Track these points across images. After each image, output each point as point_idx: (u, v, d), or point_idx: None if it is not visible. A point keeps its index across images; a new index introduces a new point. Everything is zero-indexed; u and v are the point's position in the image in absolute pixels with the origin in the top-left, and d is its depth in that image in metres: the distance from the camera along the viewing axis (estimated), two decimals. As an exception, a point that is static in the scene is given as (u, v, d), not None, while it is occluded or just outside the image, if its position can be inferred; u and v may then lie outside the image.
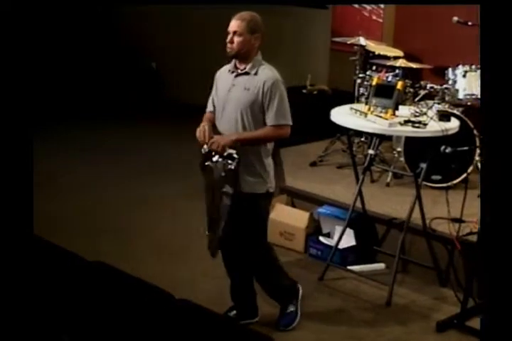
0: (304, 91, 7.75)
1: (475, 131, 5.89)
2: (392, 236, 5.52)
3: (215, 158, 4.23)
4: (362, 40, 6.91)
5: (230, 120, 4.30)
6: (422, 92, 6.57)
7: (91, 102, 9.47)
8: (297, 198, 6.18)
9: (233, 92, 4.30)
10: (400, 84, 5.32)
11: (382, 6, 7.69)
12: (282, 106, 4.28)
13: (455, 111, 6.01)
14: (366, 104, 5.42)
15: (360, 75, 6.82)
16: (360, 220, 5.60)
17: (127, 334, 3.17)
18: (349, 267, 5.45)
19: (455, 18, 6.57)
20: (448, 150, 5.93)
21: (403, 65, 6.61)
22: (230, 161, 4.18)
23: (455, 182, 6.00)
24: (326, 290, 5.22)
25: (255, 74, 4.27)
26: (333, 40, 7.63)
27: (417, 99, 6.52)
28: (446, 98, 6.35)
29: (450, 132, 5.13)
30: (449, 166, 5.95)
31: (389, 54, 6.93)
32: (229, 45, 4.28)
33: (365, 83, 6.67)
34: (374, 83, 5.39)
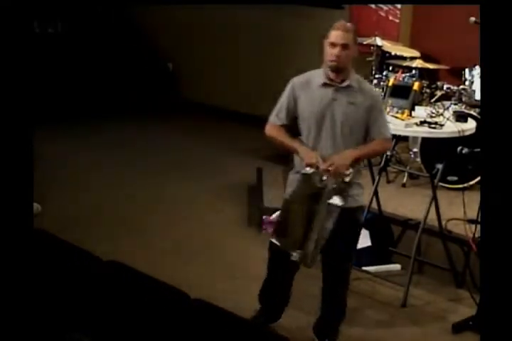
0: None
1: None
2: (407, 237, 5.51)
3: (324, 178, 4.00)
4: (378, 41, 6.90)
5: (332, 135, 4.07)
6: (439, 93, 6.55)
7: (108, 102, 9.49)
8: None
9: (336, 107, 4.06)
10: (416, 85, 5.32)
11: (398, 6, 7.67)
12: (386, 119, 4.30)
13: (472, 112, 5.98)
14: (383, 104, 5.41)
15: (377, 76, 6.81)
16: (376, 221, 5.59)
17: (141, 333, 3.18)
18: (364, 268, 5.43)
19: (472, 19, 6.53)
20: (464, 151, 5.91)
21: (420, 66, 6.59)
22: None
23: (471, 183, 5.98)
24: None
25: (359, 87, 4.09)
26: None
27: (433, 99, 6.50)
28: (463, 99, 6.33)
29: (467, 133, 5.12)
30: (466, 167, 5.94)
31: (405, 54, 6.92)
32: (335, 58, 4.00)
33: (382, 83, 6.65)
34: (390, 83, 5.40)
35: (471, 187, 5.92)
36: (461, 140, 5.41)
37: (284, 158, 7.40)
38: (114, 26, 9.89)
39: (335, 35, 4.01)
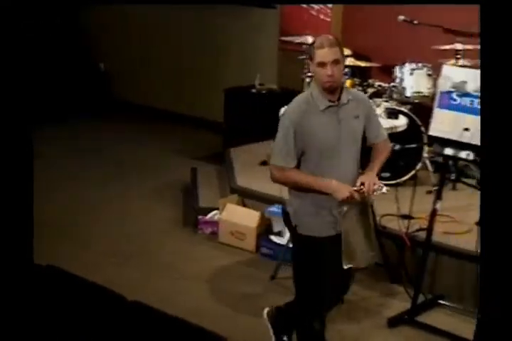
0: (253, 90, 7.77)
1: (422, 128, 5.95)
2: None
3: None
4: (310, 39, 6.92)
5: (350, 158, 3.85)
6: (370, 90, 6.60)
7: (39, 102, 9.34)
8: (248, 198, 6.18)
9: (346, 126, 3.81)
10: (348, 83, 5.37)
11: (329, 5, 7.73)
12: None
13: (402, 109, 6.07)
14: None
15: (309, 74, 6.84)
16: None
17: (78, 337, 3.14)
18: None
19: (401, 17, 6.64)
20: (396, 147, 6.01)
21: (351, 64, 6.63)
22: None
23: (404, 179, 6.06)
24: (278, 289, 5.22)
25: (353, 97, 3.87)
26: (282, 40, 7.65)
27: (365, 97, 6.56)
28: (394, 96, 6.41)
29: (398, 129, 5.20)
30: (398, 163, 6.01)
31: (337, 53, 6.96)
32: (329, 78, 3.70)
33: (314, 82, 6.69)
34: (322, 82, 5.41)
35: (403, 183, 6.00)
36: (393, 136, 5.49)
37: (217, 157, 7.43)
38: (45, 26, 9.73)
39: (322, 54, 3.69)
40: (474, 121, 4.40)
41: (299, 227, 3.89)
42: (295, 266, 4.04)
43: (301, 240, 3.93)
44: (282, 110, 4.03)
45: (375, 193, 3.81)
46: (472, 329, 4.36)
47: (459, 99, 4.51)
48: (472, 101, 4.45)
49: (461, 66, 6.04)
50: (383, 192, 3.85)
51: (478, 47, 6.44)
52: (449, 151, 4.56)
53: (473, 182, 6.09)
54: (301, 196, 3.86)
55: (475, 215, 4.79)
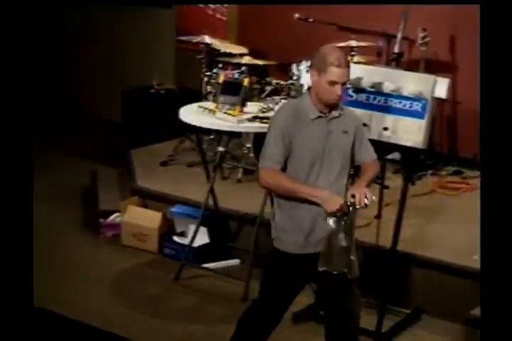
0: (152, 90, 7.71)
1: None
2: (246, 231, 5.57)
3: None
4: (207, 39, 6.92)
5: (333, 170, 3.70)
6: (269, 88, 6.66)
7: None
8: (149, 199, 6.13)
9: (333, 139, 3.66)
10: (246, 81, 5.38)
11: (225, 4, 7.75)
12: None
13: (301, 106, 6.11)
14: (214, 101, 5.44)
15: (207, 73, 6.84)
16: (213, 218, 5.62)
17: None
18: (204, 265, 5.46)
19: (296, 15, 6.71)
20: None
21: (249, 62, 6.67)
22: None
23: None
24: (182, 290, 5.20)
25: (344, 113, 3.73)
26: (179, 39, 7.61)
27: (263, 95, 6.60)
28: (292, 93, 6.46)
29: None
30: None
31: (234, 51, 6.98)
32: (337, 97, 3.58)
33: (212, 81, 6.69)
34: (221, 81, 5.42)
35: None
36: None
37: (117, 159, 7.33)
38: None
39: (337, 74, 3.52)
40: (370, 117, 4.48)
41: (275, 241, 3.76)
42: (264, 276, 3.94)
43: (274, 253, 3.80)
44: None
45: (365, 204, 3.64)
46: (373, 321, 4.45)
47: (355, 95, 4.57)
48: (368, 97, 4.52)
49: (356, 62, 6.12)
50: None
51: (372, 44, 6.65)
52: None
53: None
54: (282, 210, 3.71)
55: (374, 209, 4.89)
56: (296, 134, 3.59)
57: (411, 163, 4.61)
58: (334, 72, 3.51)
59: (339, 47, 4.07)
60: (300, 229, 3.68)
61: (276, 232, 3.76)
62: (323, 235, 3.62)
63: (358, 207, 3.60)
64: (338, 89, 3.54)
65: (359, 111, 4.49)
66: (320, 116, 3.63)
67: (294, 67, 6.51)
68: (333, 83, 3.52)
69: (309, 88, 3.71)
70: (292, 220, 3.70)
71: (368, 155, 3.86)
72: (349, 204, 3.58)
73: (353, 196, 3.60)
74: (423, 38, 6.27)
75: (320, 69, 3.55)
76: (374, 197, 3.70)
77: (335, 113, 3.66)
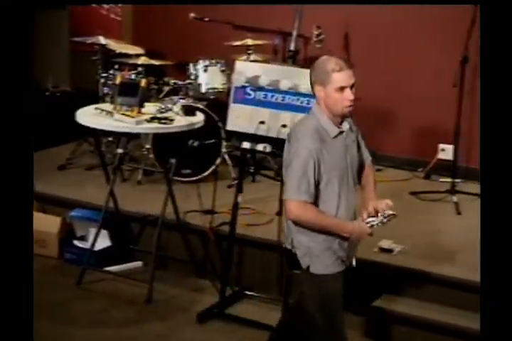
0: (47, 93, 7.55)
1: (220, 124, 6.02)
2: (148, 233, 5.52)
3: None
4: (102, 39, 6.82)
5: (355, 184, 3.63)
6: (166, 88, 6.62)
7: None
8: (48, 204, 5.99)
9: (350, 152, 3.59)
10: (143, 82, 5.34)
11: (119, 4, 7.66)
12: None
13: (199, 105, 6.10)
14: (111, 103, 5.38)
15: (103, 75, 6.74)
16: (114, 220, 5.55)
17: None
18: (106, 268, 5.38)
19: (192, 15, 6.68)
20: (195, 143, 6.07)
21: (145, 63, 6.61)
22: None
23: (205, 174, 6.12)
24: (85, 294, 5.12)
25: (350, 123, 3.64)
26: (73, 40, 7.47)
27: (161, 95, 6.56)
28: (190, 93, 6.45)
29: (196, 126, 5.22)
30: (198, 159, 6.07)
31: (130, 52, 6.90)
32: (351, 102, 3.45)
33: (109, 82, 6.60)
34: (117, 82, 5.36)
35: (204, 179, 6.06)
36: (191, 133, 5.52)
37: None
38: None
39: (342, 78, 3.41)
40: (269, 114, 4.51)
41: (313, 267, 3.58)
42: (312, 312, 3.66)
43: (315, 281, 3.61)
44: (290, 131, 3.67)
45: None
46: (278, 317, 4.47)
47: (253, 94, 4.59)
48: (266, 94, 4.55)
49: (253, 61, 6.16)
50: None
51: (268, 42, 6.70)
52: (246, 145, 4.64)
53: (271, 173, 6.27)
54: (311, 234, 3.55)
55: (275, 206, 4.93)
56: (324, 157, 3.44)
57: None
58: (338, 78, 3.41)
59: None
60: (336, 244, 3.57)
61: (310, 258, 3.56)
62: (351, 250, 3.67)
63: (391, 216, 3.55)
64: (348, 94, 3.43)
65: (257, 109, 4.53)
66: (336, 134, 3.50)
67: (191, 66, 6.49)
68: (341, 89, 3.41)
69: (317, 104, 3.55)
70: (327, 239, 3.55)
71: (368, 157, 3.82)
72: (386, 216, 3.53)
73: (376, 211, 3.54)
74: (318, 35, 6.36)
75: (324, 81, 3.44)
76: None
77: (346, 124, 3.56)
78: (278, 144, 4.50)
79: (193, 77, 6.47)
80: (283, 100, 4.49)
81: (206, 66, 6.44)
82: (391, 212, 3.54)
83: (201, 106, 6.09)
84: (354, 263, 3.76)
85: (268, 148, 4.59)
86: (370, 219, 3.55)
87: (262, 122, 4.52)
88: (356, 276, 4.53)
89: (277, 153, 4.65)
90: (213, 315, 4.81)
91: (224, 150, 6.13)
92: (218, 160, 6.13)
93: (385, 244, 4.95)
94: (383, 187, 6.15)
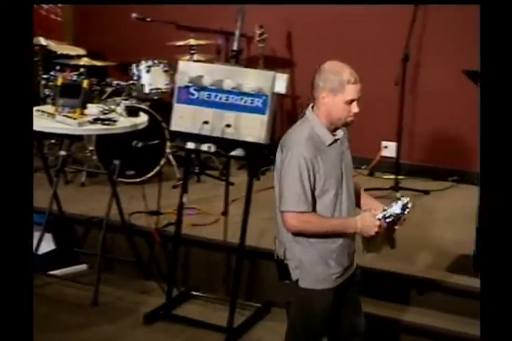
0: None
1: (163, 124, 6.00)
2: (92, 235, 5.47)
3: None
4: (42, 40, 6.75)
5: (351, 189, 3.54)
6: (109, 89, 6.58)
7: None
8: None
9: (345, 159, 3.51)
10: (85, 83, 5.27)
11: (59, 4, 7.58)
12: None
13: (142, 106, 6.08)
14: (53, 105, 5.31)
15: (44, 76, 6.67)
16: (58, 223, 5.49)
17: None
18: (51, 272, 5.32)
19: (134, 15, 6.64)
20: (139, 144, 6.04)
21: (87, 64, 6.55)
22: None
23: (149, 175, 6.09)
24: (29, 298, 5.05)
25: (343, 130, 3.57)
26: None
27: (104, 96, 6.51)
28: (133, 94, 6.41)
29: (140, 127, 5.19)
30: (142, 160, 6.04)
31: (71, 53, 6.84)
32: (353, 115, 3.40)
33: (50, 84, 6.53)
34: (59, 83, 5.30)
35: (149, 180, 6.03)
36: (135, 134, 5.49)
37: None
38: None
39: (356, 91, 3.35)
40: (213, 114, 4.50)
41: (302, 280, 3.48)
42: (294, 322, 3.61)
43: (300, 294, 3.51)
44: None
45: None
46: (224, 317, 4.48)
47: (196, 94, 4.57)
48: (209, 94, 4.53)
49: (196, 61, 6.15)
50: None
51: (211, 42, 6.69)
52: (191, 145, 4.62)
53: (216, 173, 6.27)
54: (306, 246, 3.45)
55: (220, 206, 4.93)
56: (319, 167, 3.35)
57: (255, 158, 4.66)
58: (352, 90, 3.33)
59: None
60: (333, 260, 3.48)
61: (301, 272, 3.47)
62: (350, 263, 3.57)
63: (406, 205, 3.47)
64: (355, 107, 3.36)
65: (201, 109, 4.52)
66: (331, 141, 3.43)
67: (133, 67, 6.45)
68: (351, 101, 3.35)
69: (312, 108, 3.46)
70: (323, 254, 3.47)
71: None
72: (402, 205, 3.45)
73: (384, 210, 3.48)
74: (260, 34, 6.38)
75: (335, 90, 3.34)
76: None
77: (340, 131, 3.49)
78: (222, 144, 4.52)
79: (135, 77, 6.44)
80: (227, 100, 4.49)
81: (149, 66, 6.41)
82: (406, 200, 3.45)
83: (145, 107, 6.07)
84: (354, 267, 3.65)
85: (212, 148, 4.58)
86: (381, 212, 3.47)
87: (206, 122, 4.51)
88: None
89: (222, 153, 4.66)
90: (160, 316, 4.79)
91: (168, 150, 6.11)
92: (163, 161, 6.11)
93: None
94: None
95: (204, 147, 4.59)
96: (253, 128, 4.41)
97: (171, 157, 6.17)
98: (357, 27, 6.55)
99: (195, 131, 4.55)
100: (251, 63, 6.50)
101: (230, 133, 4.47)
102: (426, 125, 6.45)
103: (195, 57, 6.43)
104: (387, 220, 3.45)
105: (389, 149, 6.54)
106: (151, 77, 6.41)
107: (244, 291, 4.94)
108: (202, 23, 6.69)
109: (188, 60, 6.11)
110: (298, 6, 6.52)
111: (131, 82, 6.46)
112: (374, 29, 6.48)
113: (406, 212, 3.48)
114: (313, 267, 3.46)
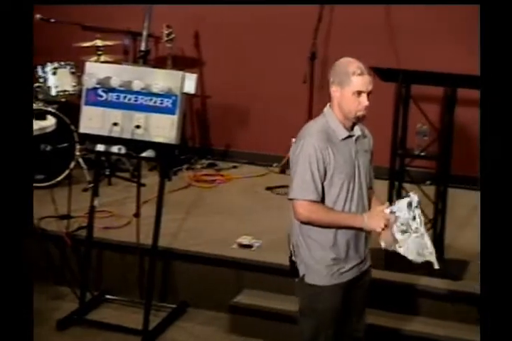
0: None
1: (72, 127, 5.91)
2: (1, 241, 5.35)
3: None
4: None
5: (363, 193, 3.49)
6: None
7: None
8: None
9: (360, 159, 3.46)
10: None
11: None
12: None
13: (50, 109, 5.98)
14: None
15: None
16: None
17: None
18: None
19: (38, 16, 6.51)
20: (48, 148, 5.93)
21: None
22: None
23: (58, 179, 5.99)
24: None
25: (364, 132, 3.55)
26: None
27: None
28: (40, 96, 6.29)
29: (47, 130, 5.12)
30: (51, 164, 5.94)
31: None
32: (365, 108, 3.37)
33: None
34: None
35: (58, 184, 5.93)
36: (43, 137, 5.40)
37: None
38: None
39: (362, 82, 3.35)
40: (122, 116, 4.47)
41: (307, 276, 3.47)
42: (301, 319, 3.60)
43: (306, 291, 3.51)
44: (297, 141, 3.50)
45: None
46: (140, 319, 4.46)
47: (105, 95, 4.53)
48: (118, 96, 4.50)
49: (103, 62, 6.07)
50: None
51: (118, 42, 6.62)
52: (100, 147, 4.58)
53: (127, 175, 6.22)
54: (312, 239, 3.44)
55: (132, 207, 4.89)
56: (330, 158, 3.36)
57: (166, 159, 4.65)
58: (358, 81, 3.34)
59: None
60: (340, 257, 3.46)
61: (306, 267, 3.47)
62: (360, 260, 3.53)
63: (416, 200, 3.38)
64: (364, 99, 3.36)
65: (110, 111, 4.48)
66: (349, 136, 3.43)
67: (39, 69, 6.33)
68: (359, 93, 3.35)
69: (330, 106, 3.49)
70: (325, 251, 3.45)
71: (372, 179, 3.64)
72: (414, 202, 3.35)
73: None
74: (168, 34, 6.36)
75: (342, 83, 3.37)
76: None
77: (357, 130, 3.48)
78: (133, 145, 4.48)
79: (41, 80, 6.32)
80: (136, 101, 4.46)
81: (55, 68, 6.31)
82: (414, 197, 3.37)
83: (52, 110, 5.97)
84: (366, 267, 3.61)
85: (123, 150, 4.55)
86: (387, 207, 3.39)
87: (116, 124, 4.47)
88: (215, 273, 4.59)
89: (132, 155, 4.62)
90: (74, 322, 4.72)
91: (78, 153, 6.02)
92: (72, 164, 6.02)
93: (244, 240, 5.01)
94: (240, 184, 6.30)
95: (114, 149, 4.56)
96: (163, 128, 4.40)
97: (80, 160, 6.08)
98: (265, 27, 6.57)
99: (105, 133, 4.51)
100: (159, 63, 6.46)
101: (140, 135, 4.45)
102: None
103: (103, 58, 6.34)
104: (397, 214, 3.36)
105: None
106: (57, 79, 6.30)
107: (159, 292, 4.91)
108: (108, 24, 6.62)
109: (96, 61, 6.03)
110: (206, 5, 6.52)
111: (37, 84, 6.33)
112: (282, 28, 6.52)
113: (414, 213, 3.38)
114: (316, 262, 3.46)
